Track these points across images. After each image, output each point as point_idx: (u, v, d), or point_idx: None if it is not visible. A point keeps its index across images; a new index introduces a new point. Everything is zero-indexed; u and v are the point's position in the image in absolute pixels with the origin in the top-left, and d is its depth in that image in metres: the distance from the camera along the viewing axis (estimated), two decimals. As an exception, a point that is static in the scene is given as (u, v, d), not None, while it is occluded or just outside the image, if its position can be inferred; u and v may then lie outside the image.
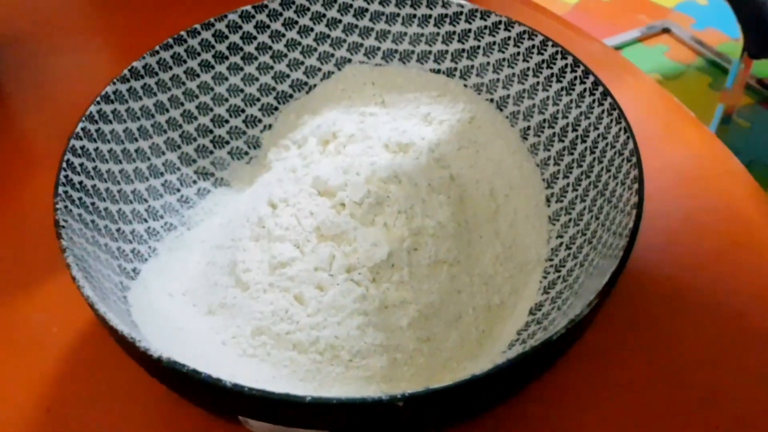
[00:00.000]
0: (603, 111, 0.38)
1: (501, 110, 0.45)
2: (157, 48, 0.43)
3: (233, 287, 0.38)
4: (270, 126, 0.48)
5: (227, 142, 0.47)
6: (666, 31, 1.89)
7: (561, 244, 0.40)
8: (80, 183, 0.37)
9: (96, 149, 0.39)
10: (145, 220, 0.41)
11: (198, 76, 0.45)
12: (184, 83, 0.44)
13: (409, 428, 0.30)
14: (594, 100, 0.39)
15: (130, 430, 0.37)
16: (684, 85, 1.77)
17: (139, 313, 0.36)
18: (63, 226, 0.33)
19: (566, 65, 0.40)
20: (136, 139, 0.42)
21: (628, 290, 0.42)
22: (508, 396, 0.32)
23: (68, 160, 0.37)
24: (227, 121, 0.47)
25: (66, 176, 0.36)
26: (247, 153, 0.47)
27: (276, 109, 0.48)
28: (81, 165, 0.38)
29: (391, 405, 0.26)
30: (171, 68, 0.44)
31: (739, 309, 0.41)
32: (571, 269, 0.37)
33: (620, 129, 0.36)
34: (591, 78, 0.39)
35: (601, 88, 0.38)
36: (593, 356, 0.39)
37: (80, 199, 0.36)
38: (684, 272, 0.43)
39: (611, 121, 0.37)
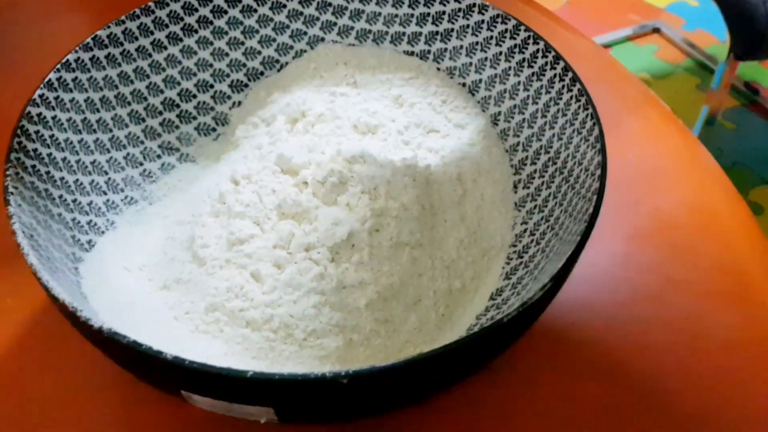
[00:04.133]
0: (571, 96, 0.37)
1: (473, 95, 0.45)
2: (123, 18, 0.42)
3: (190, 262, 0.38)
4: (239, 103, 0.47)
5: (194, 118, 0.46)
6: (656, 30, 1.89)
7: (525, 230, 0.39)
8: (35, 151, 0.36)
9: (54, 117, 0.38)
10: (105, 193, 0.40)
11: (165, 48, 0.44)
12: (150, 55, 0.43)
13: (353, 409, 0.30)
14: (563, 86, 0.38)
15: (78, 402, 0.36)
16: (672, 85, 1.77)
17: (90, 285, 0.35)
18: (12, 193, 0.32)
19: (537, 50, 0.40)
20: (98, 110, 0.41)
21: (588, 278, 0.42)
22: (459, 378, 0.31)
23: (23, 126, 0.36)
24: (195, 96, 0.46)
25: (19, 143, 0.35)
26: (214, 129, 0.46)
27: (246, 86, 0.47)
28: (37, 132, 0.37)
29: (334, 382, 0.26)
30: (137, 39, 0.43)
31: (702, 308, 0.41)
32: (533, 255, 0.37)
33: (587, 115, 0.36)
34: (561, 63, 0.38)
35: (570, 74, 0.38)
36: (548, 340, 0.39)
37: (33, 167, 0.36)
38: (648, 262, 0.43)
39: (579, 107, 0.37)
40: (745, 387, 0.37)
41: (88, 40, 0.40)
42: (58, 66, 0.39)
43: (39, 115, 0.37)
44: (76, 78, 0.40)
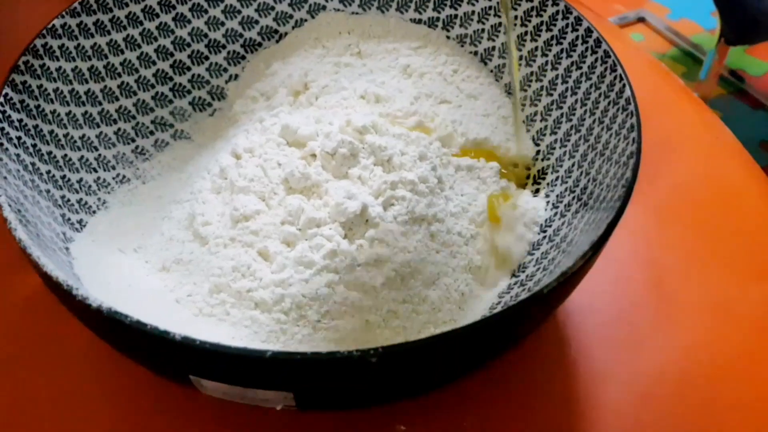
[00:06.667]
0: (596, 59, 0.35)
1: (485, 64, 0.42)
2: (112, -18, 0.39)
3: (191, 242, 0.35)
4: (236, 76, 0.44)
5: (189, 92, 0.43)
6: (641, 20, 1.88)
7: (547, 202, 0.37)
8: (20, 121, 0.33)
9: (40, 87, 0.35)
10: (95, 170, 0.38)
11: (157, 15, 0.41)
12: (141, 23, 0.40)
13: (380, 392, 0.27)
14: (587, 48, 0.36)
15: (75, 394, 0.33)
16: (658, 74, 1.76)
17: (82, 267, 0.32)
18: (-4, 164, 0.29)
19: (557, 12, 0.38)
20: (87, 81, 0.38)
21: (612, 257, 0.39)
22: (494, 355, 0.29)
23: (6, 95, 0.33)
24: (189, 69, 0.43)
25: (3, 112, 0.32)
26: (210, 104, 0.44)
27: (243, 57, 0.44)
28: (22, 102, 0.34)
29: (363, 361, 0.23)
30: (127, 5, 0.40)
31: (731, 285, 0.39)
32: (558, 228, 0.35)
33: (615, 77, 0.34)
34: (584, 24, 0.36)
35: (594, 35, 0.35)
36: (572, 321, 0.36)
37: (19, 138, 0.33)
38: (674, 241, 0.41)
39: (605, 69, 0.34)
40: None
41: (75, 5, 0.37)
42: (44, 32, 0.36)
43: (24, 83, 0.34)
44: (62, 45, 0.37)
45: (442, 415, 0.32)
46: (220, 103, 0.44)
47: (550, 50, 0.38)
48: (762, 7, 1.13)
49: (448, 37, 0.43)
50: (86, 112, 0.38)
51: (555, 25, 0.38)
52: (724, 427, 0.33)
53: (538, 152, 0.39)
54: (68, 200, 0.35)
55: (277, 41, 0.45)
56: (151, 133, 0.41)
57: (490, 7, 0.41)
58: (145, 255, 0.36)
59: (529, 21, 0.39)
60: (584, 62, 0.36)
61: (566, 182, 0.36)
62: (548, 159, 0.38)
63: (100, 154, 0.38)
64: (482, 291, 0.35)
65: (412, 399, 0.31)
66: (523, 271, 0.35)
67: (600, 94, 0.35)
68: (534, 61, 0.39)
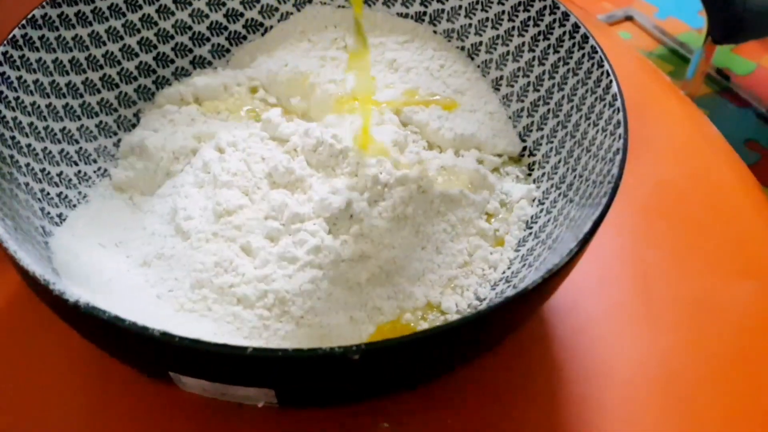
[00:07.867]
0: (583, 55, 0.35)
1: (472, 59, 0.42)
2: (93, -28, 0.38)
3: (172, 237, 0.35)
4: (221, 69, 0.44)
5: (172, 85, 0.42)
6: (629, 18, 1.89)
7: (533, 199, 0.37)
8: (-3, 113, 0.33)
9: (19, 78, 0.34)
10: (76, 163, 0.37)
11: (140, 7, 0.40)
12: (124, 14, 0.40)
13: (362, 389, 0.27)
14: (574, 44, 0.36)
15: (53, 392, 0.32)
16: (646, 72, 1.76)
17: (62, 261, 0.32)
18: (-28, 156, 0.29)
19: (545, 7, 0.37)
20: (68, 72, 0.37)
21: (598, 255, 0.39)
22: (478, 352, 0.28)
23: (-16, 85, 0.32)
24: (173, 61, 0.42)
25: (-20, 103, 0.32)
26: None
27: (228, 51, 0.44)
28: (0, 93, 0.33)
29: (344, 358, 0.23)
30: (109, -4, 0.39)
31: (715, 283, 0.39)
32: (544, 225, 0.35)
33: (602, 73, 0.33)
34: (571, 20, 0.36)
35: (581, 31, 0.35)
36: (558, 319, 0.36)
37: (-3, 130, 0.32)
38: (659, 239, 0.41)
39: (592, 64, 0.34)
40: (762, 365, 0.35)
41: (56, -5, 0.37)
42: (24, 22, 0.35)
43: (3, 74, 0.33)
44: (43, 36, 0.36)
45: (425, 411, 0.32)
46: (205, 96, 0.43)
47: (537, 46, 0.38)
48: (748, 6, 1.13)
49: (435, 32, 0.43)
50: (67, 104, 0.37)
51: (542, 20, 0.38)
52: (708, 423, 0.33)
53: (524, 148, 0.39)
54: (48, 194, 0.34)
55: (263, 34, 0.44)
56: (134, 126, 0.40)
57: (477, 2, 0.41)
58: (127, 250, 0.35)
59: (517, 16, 0.39)
60: (571, 58, 0.36)
61: (552, 179, 0.36)
62: (534, 155, 0.38)
63: (81, 147, 0.38)
64: (468, 287, 0.35)
65: (395, 395, 0.31)
66: (509, 268, 0.35)
67: (587, 90, 0.35)
68: (521, 56, 0.39)
